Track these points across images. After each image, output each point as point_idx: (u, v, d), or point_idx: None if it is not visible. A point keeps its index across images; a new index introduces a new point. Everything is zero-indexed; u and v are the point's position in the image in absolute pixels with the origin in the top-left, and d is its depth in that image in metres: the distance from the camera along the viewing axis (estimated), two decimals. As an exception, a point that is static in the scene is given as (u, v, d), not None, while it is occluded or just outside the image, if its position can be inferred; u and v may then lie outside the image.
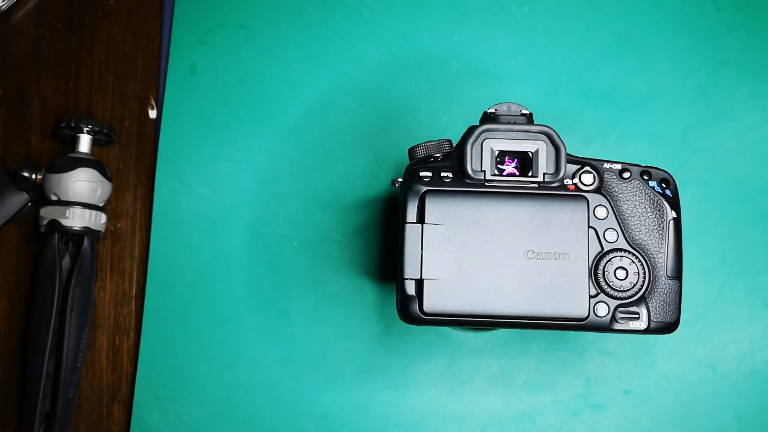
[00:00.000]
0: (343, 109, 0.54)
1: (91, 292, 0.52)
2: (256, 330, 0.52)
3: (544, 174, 0.40)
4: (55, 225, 0.51)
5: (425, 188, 0.40)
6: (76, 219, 0.51)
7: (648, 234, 0.41)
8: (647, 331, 0.40)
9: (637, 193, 0.41)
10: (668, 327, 0.41)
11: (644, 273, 0.40)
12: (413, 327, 0.50)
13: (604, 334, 0.51)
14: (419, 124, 0.54)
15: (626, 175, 0.41)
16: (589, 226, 0.40)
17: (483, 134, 0.41)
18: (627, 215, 0.41)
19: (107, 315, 0.53)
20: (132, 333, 0.53)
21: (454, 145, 0.42)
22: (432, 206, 0.40)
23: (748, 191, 0.53)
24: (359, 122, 0.54)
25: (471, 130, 0.41)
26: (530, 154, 0.41)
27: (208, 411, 0.52)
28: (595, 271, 0.40)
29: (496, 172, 0.41)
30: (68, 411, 0.50)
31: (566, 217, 0.39)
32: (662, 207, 0.41)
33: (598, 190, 0.41)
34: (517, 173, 0.41)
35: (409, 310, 0.39)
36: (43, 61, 0.56)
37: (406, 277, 0.39)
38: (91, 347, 0.53)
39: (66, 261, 0.51)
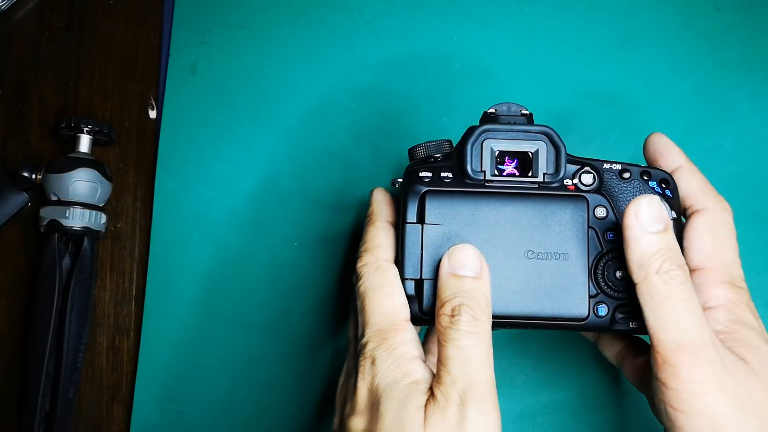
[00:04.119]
0: (343, 109, 0.55)
1: (91, 292, 0.52)
2: (256, 330, 0.52)
3: (544, 174, 0.40)
4: (55, 225, 0.51)
5: (425, 188, 0.40)
6: (76, 219, 0.51)
7: (648, 234, 0.40)
8: (648, 330, 0.40)
9: (637, 193, 0.41)
10: (668, 327, 0.40)
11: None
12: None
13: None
14: (419, 124, 0.54)
15: (626, 175, 0.41)
16: (589, 227, 0.40)
17: (483, 134, 0.41)
18: (627, 215, 0.41)
19: (107, 315, 0.53)
20: (132, 333, 0.53)
21: (454, 145, 0.42)
22: (432, 206, 0.40)
23: (748, 191, 0.53)
24: (359, 122, 0.54)
25: (471, 130, 0.41)
26: (530, 154, 0.40)
27: (208, 411, 0.52)
28: (595, 271, 0.40)
29: (496, 173, 0.41)
30: (68, 411, 0.50)
31: (566, 217, 0.39)
32: (662, 207, 0.41)
33: (598, 190, 0.41)
34: (517, 173, 0.41)
35: (410, 310, 0.39)
36: (43, 61, 0.56)
37: (406, 277, 0.39)
38: (91, 347, 0.53)
39: (66, 261, 0.51)
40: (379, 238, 0.41)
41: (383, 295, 0.38)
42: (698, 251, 0.40)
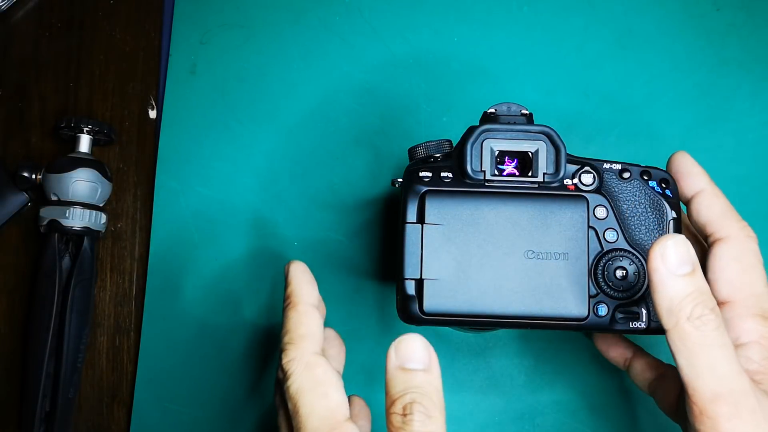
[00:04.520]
0: (343, 109, 0.55)
1: (91, 292, 0.52)
2: (255, 330, 0.52)
3: (544, 174, 0.40)
4: (55, 225, 0.51)
5: (425, 188, 0.40)
6: (76, 219, 0.51)
7: (648, 234, 0.41)
8: (647, 330, 0.40)
9: (637, 193, 0.41)
10: (668, 327, 0.41)
11: (644, 273, 0.40)
12: (413, 327, 0.50)
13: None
14: (419, 124, 0.54)
15: (626, 175, 0.41)
16: (588, 226, 0.40)
17: (483, 134, 0.41)
18: (627, 215, 0.41)
19: (107, 315, 0.53)
20: (132, 333, 0.53)
21: (454, 145, 0.42)
22: (432, 206, 0.40)
23: (748, 191, 0.53)
24: (359, 122, 0.54)
25: (471, 130, 0.41)
26: (530, 154, 0.40)
27: (208, 411, 0.52)
28: (594, 271, 0.40)
29: (496, 172, 0.41)
30: (68, 411, 0.50)
31: (566, 217, 0.39)
32: (662, 207, 0.41)
33: (598, 190, 0.41)
34: (517, 173, 0.41)
35: (409, 310, 0.39)
36: (43, 61, 0.56)
37: (406, 277, 0.39)
38: (91, 347, 0.53)
39: (66, 261, 0.51)
40: (304, 327, 0.38)
41: (317, 396, 0.36)
42: (725, 283, 0.38)
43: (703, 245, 0.41)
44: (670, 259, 0.34)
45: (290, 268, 0.41)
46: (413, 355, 0.34)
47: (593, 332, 0.47)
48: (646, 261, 0.40)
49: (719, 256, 0.38)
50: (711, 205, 0.40)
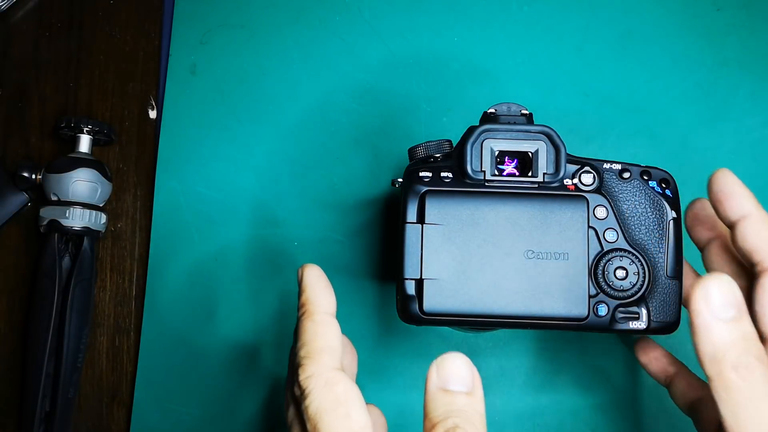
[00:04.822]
0: (343, 109, 0.55)
1: (91, 292, 0.52)
2: (256, 330, 0.52)
3: (544, 174, 0.40)
4: (55, 225, 0.51)
5: (425, 188, 0.40)
6: (76, 219, 0.51)
7: (648, 234, 0.41)
8: (647, 331, 0.40)
9: (637, 193, 0.41)
10: (668, 327, 0.41)
11: (644, 273, 0.40)
12: (413, 327, 0.50)
13: (604, 334, 0.51)
14: (419, 124, 0.54)
15: (626, 175, 0.41)
16: (588, 226, 0.40)
17: (483, 134, 0.41)
18: (627, 215, 0.41)
19: (107, 315, 0.53)
20: (132, 333, 0.53)
21: (454, 145, 0.42)
22: (432, 206, 0.40)
23: (748, 191, 0.53)
24: (359, 122, 0.54)
25: (471, 130, 0.41)
26: (530, 154, 0.41)
27: (208, 411, 0.52)
28: (594, 271, 0.40)
29: (496, 172, 0.41)
30: (68, 411, 0.50)
31: (566, 217, 0.39)
32: (662, 207, 0.41)
33: (598, 190, 0.41)
34: (517, 173, 0.41)
35: (409, 310, 0.39)
36: (43, 61, 0.56)
37: (406, 277, 0.39)
38: (91, 347, 0.53)
39: (66, 261, 0.51)
40: (322, 339, 0.35)
41: (338, 417, 0.32)
42: None
43: (749, 272, 0.39)
44: (714, 301, 0.31)
45: (304, 273, 0.37)
46: (456, 376, 0.32)
47: (634, 345, 0.46)
48: (647, 264, 0.40)
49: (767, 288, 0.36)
50: (759, 231, 0.36)
